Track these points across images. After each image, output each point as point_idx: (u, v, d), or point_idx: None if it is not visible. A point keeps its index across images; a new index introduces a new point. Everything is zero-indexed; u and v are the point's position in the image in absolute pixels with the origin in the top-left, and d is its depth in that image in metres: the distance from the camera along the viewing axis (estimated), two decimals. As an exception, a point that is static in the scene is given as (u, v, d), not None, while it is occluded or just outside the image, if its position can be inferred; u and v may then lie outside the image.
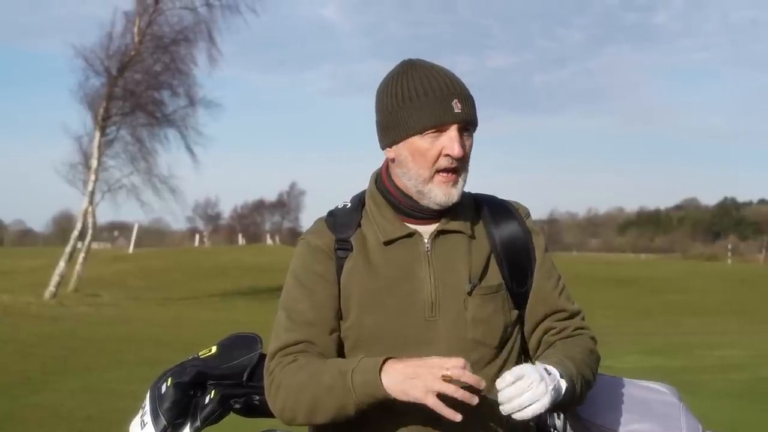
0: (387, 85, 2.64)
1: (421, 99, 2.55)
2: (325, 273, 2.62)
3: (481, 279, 2.62)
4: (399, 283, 2.59)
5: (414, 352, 2.51)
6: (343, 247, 2.64)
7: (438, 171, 2.56)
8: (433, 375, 2.30)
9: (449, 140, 2.53)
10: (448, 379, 2.29)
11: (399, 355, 2.48)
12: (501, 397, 2.35)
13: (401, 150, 2.59)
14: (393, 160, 2.65)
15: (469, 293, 2.59)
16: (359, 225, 2.68)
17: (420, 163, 2.56)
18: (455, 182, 2.58)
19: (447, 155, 2.53)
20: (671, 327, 24.91)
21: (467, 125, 2.57)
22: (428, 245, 2.63)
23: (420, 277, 2.60)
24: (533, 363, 2.64)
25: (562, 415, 2.85)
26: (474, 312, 2.59)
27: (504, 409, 2.36)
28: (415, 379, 2.31)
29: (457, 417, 2.28)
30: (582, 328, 2.75)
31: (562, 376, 2.45)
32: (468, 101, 2.57)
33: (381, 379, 2.34)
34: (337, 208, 2.75)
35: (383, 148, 2.67)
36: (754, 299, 35.94)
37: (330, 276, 2.62)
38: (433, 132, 2.54)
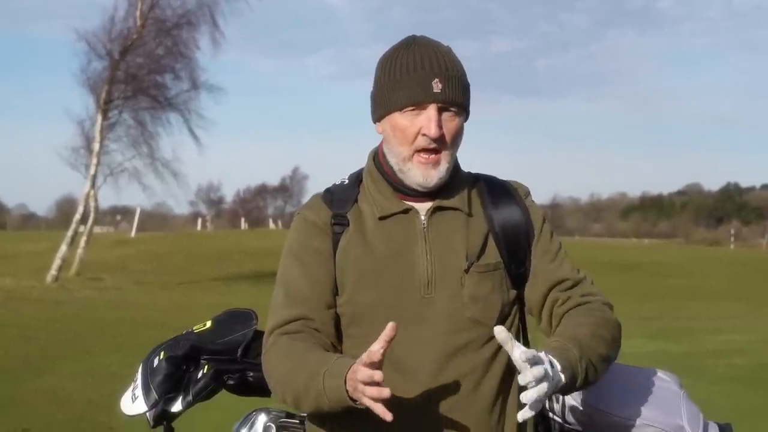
0: (383, 60, 2.64)
1: (404, 76, 2.55)
2: (322, 248, 2.61)
3: (479, 257, 2.59)
4: (395, 260, 2.57)
5: (410, 329, 2.49)
6: (339, 222, 2.63)
7: (417, 151, 2.54)
8: (357, 385, 2.22)
9: (427, 119, 2.52)
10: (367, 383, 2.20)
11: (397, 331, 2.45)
12: (529, 374, 2.19)
13: (386, 125, 2.61)
14: (382, 137, 2.66)
15: (466, 270, 2.57)
16: (356, 201, 2.66)
17: (400, 140, 2.56)
18: (436, 163, 2.56)
19: (424, 135, 2.52)
20: (674, 312, 24.89)
21: (449, 105, 2.54)
22: (425, 222, 2.61)
23: (416, 254, 2.58)
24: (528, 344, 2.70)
25: (561, 399, 2.84)
26: (471, 290, 2.56)
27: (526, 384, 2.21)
28: (355, 389, 2.23)
29: (387, 416, 2.18)
30: (591, 294, 2.69)
31: (561, 371, 2.36)
32: (452, 82, 2.55)
33: (346, 388, 2.27)
34: (334, 184, 2.74)
35: (373, 122, 2.67)
36: (757, 284, 35.91)
37: (326, 251, 2.60)
38: (412, 110, 2.53)
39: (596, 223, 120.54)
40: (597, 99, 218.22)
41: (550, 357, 2.34)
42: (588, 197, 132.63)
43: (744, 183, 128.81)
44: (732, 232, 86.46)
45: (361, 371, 2.19)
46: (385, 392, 2.19)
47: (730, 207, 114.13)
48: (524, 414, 2.20)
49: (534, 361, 2.21)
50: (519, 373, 2.22)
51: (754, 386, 11.38)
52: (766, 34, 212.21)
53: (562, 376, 2.35)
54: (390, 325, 2.20)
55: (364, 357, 2.20)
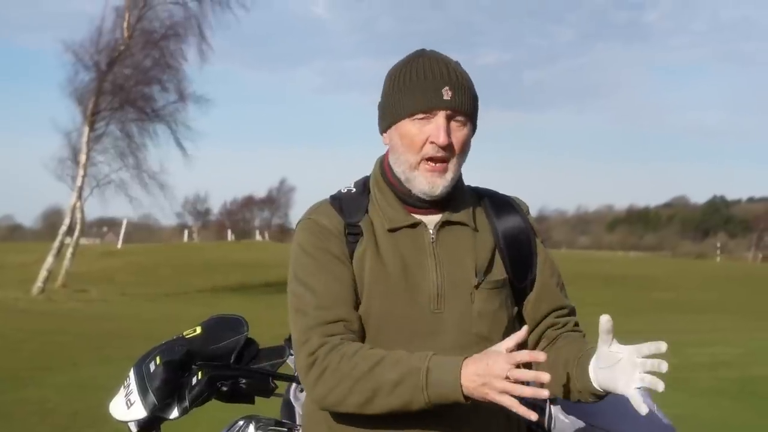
0: (392, 71, 2.65)
1: (413, 84, 2.56)
2: (339, 254, 2.58)
3: (486, 273, 2.61)
4: (405, 273, 2.56)
5: (418, 343, 2.50)
6: (353, 231, 2.60)
7: (425, 159, 2.55)
8: (500, 379, 2.27)
9: (435, 127, 2.53)
10: (513, 380, 2.27)
11: (404, 345, 2.48)
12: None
13: (393, 134, 2.61)
14: (388, 147, 2.66)
15: (477, 286, 2.58)
16: (366, 211, 2.65)
17: (408, 147, 2.56)
18: (442, 172, 2.56)
19: (432, 142, 2.52)
20: (660, 325, 24.91)
21: (457, 114, 2.55)
22: (433, 236, 2.61)
23: (425, 268, 2.58)
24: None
25: (547, 412, 2.84)
26: (480, 306, 2.58)
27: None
28: (486, 384, 2.28)
29: (532, 416, 2.29)
30: (578, 325, 2.78)
31: None
32: (462, 91, 2.56)
33: (461, 382, 2.31)
34: (340, 192, 2.72)
35: (381, 133, 2.68)
36: (743, 297, 36.00)
37: (344, 257, 2.57)
38: (421, 117, 2.54)
39: (583, 235, 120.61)
40: (584, 111, 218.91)
41: None
42: (575, 210, 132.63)
43: (730, 196, 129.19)
44: (718, 245, 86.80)
45: (515, 371, 2.27)
46: (544, 393, 2.31)
47: (717, 220, 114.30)
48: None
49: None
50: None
51: (740, 399, 11.39)
52: (753, 47, 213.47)
53: None
54: (524, 329, 2.39)
55: (506, 355, 2.29)
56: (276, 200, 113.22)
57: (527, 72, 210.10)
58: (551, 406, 2.86)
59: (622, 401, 2.87)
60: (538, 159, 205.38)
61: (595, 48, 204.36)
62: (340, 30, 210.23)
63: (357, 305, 2.56)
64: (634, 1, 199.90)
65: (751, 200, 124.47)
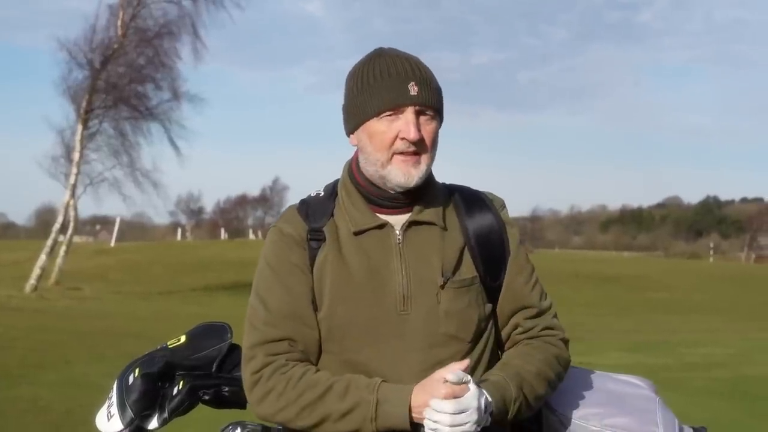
0: (353, 71, 2.63)
1: (378, 82, 2.54)
2: (299, 262, 2.59)
3: (454, 272, 2.59)
4: (370, 275, 2.56)
5: (386, 346, 2.51)
6: (315, 237, 2.60)
7: (396, 154, 2.53)
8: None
9: (405, 123, 2.51)
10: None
11: (372, 347, 2.51)
12: (443, 418, 2.34)
13: (361, 135, 2.59)
14: (357, 147, 2.64)
15: (442, 286, 2.56)
16: (332, 214, 2.64)
17: (377, 146, 2.54)
18: (416, 163, 2.54)
19: (403, 138, 2.51)
20: (653, 324, 24.95)
21: (425, 108, 2.54)
22: (399, 237, 2.60)
23: (391, 270, 2.56)
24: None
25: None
26: (447, 305, 2.56)
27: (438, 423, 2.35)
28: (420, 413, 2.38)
29: None
30: (551, 328, 2.72)
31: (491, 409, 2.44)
32: (427, 85, 2.56)
33: (410, 414, 2.39)
34: (309, 196, 2.72)
35: (347, 134, 2.66)
36: (736, 298, 36.07)
37: (304, 266, 2.58)
38: (389, 114, 2.53)
39: (576, 235, 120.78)
40: (578, 112, 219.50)
41: (486, 395, 2.43)
42: (568, 210, 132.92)
43: (723, 196, 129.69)
44: (711, 245, 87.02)
45: None
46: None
47: (710, 220, 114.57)
48: None
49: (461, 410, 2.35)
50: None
51: (732, 399, 11.40)
52: (747, 48, 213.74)
53: (489, 417, 2.43)
54: (465, 362, 2.41)
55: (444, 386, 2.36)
56: (269, 199, 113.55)
57: (521, 72, 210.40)
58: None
59: (616, 394, 2.86)
60: (531, 159, 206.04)
61: (589, 48, 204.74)
62: (334, 29, 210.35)
63: (310, 320, 2.57)
64: (627, 1, 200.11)
65: (744, 201, 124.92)
